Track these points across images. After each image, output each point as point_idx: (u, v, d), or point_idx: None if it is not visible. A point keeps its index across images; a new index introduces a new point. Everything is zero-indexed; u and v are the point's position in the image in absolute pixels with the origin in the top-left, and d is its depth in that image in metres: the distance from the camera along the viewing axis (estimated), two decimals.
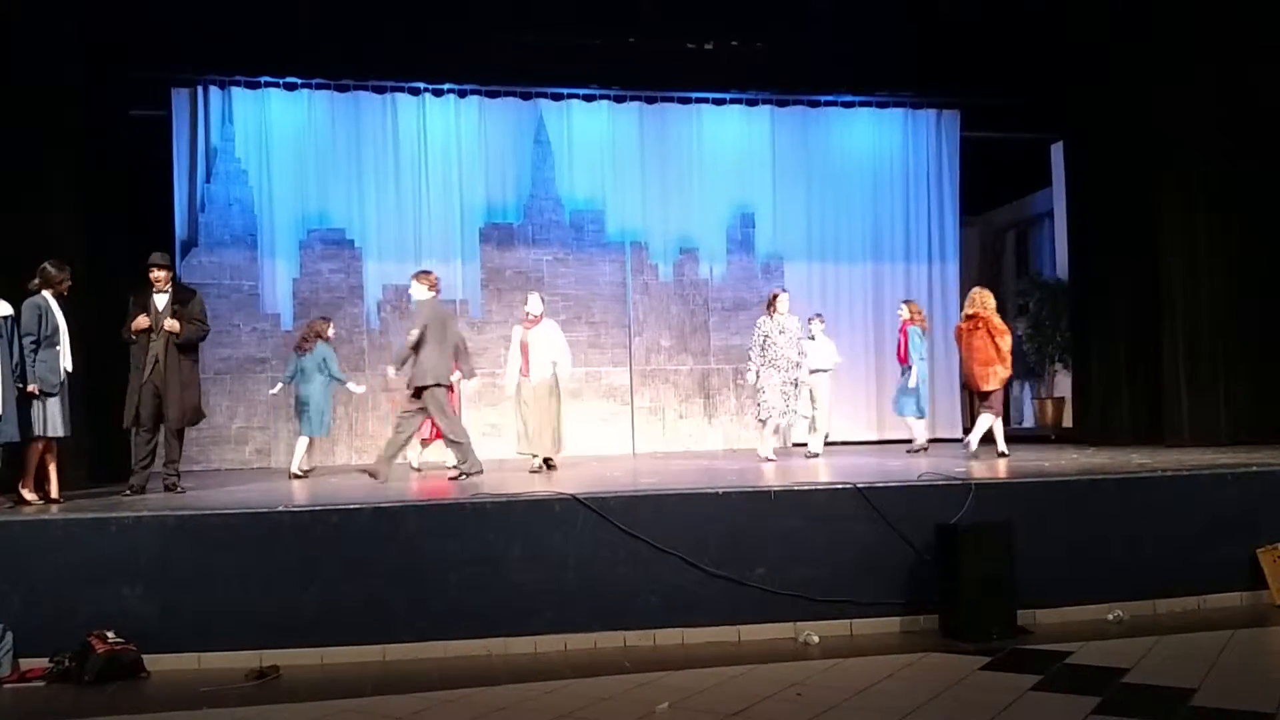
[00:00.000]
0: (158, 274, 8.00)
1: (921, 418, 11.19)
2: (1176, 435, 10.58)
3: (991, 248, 20.46)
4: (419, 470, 10.19)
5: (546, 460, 9.57)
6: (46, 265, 7.47)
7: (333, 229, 12.82)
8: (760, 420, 9.86)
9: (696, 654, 5.91)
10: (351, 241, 12.86)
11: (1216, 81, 10.54)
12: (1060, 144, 13.95)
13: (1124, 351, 11.55)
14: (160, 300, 7.95)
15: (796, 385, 9.68)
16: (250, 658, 5.76)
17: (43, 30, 9.17)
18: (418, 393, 8.40)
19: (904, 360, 11.03)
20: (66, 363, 7.45)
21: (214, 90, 12.58)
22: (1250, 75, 10.39)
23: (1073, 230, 12.97)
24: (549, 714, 4.76)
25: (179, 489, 7.91)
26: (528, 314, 9.67)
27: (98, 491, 8.23)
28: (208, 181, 12.53)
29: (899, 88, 13.93)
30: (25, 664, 5.66)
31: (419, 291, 8.74)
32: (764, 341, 9.67)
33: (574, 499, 6.29)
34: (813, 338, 10.84)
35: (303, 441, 10.17)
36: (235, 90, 12.62)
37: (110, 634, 5.64)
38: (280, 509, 6.20)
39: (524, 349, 9.56)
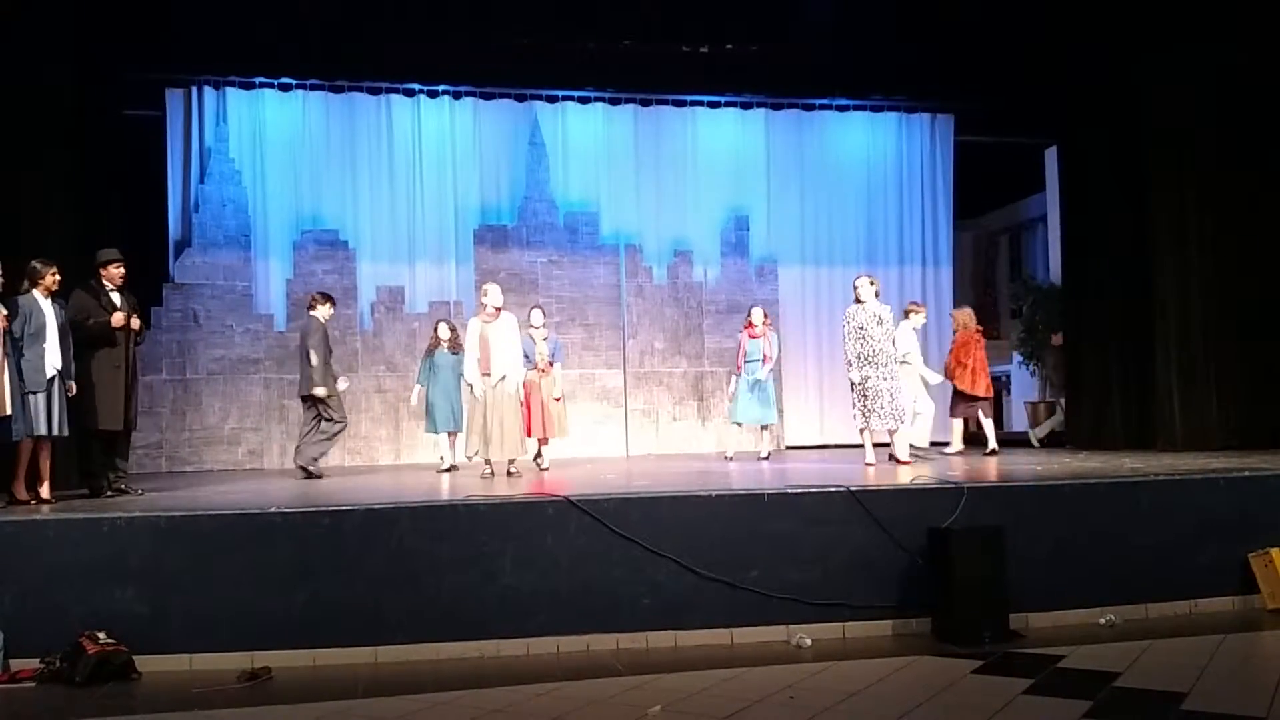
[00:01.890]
0: (120, 270, 7.92)
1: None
2: (1169, 439, 10.60)
3: (985, 252, 20.53)
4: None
5: (510, 463, 9.09)
6: (34, 263, 7.41)
7: (326, 230, 12.82)
8: (864, 427, 9.13)
9: (689, 657, 5.90)
10: (345, 242, 12.86)
11: (1209, 86, 10.57)
12: (1054, 148, 13.98)
13: (1116, 355, 11.58)
14: (116, 298, 7.87)
15: (896, 380, 9.03)
16: (242, 659, 5.74)
17: (37, 30, 9.15)
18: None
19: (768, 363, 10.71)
20: (55, 360, 7.37)
21: (208, 90, 12.59)
22: (1243, 79, 10.42)
23: (1066, 234, 13.00)
24: (541, 716, 4.75)
25: (139, 491, 7.88)
26: (486, 306, 9.08)
27: (88, 493, 8.18)
28: (201, 182, 12.53)
29: (893, 92, 13.99)
30: (16, 664, 5.64)
31: None
32: (859, 334, 8.98)
33: (567, 501, 6.28)
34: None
35: (441, 439, 10.43)
36: (230, 90, 12.64)
37: (101, 635, 5.62)
38: (272, 510, 6.18)
39: (483, 343, 8.95)
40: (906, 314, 10.50)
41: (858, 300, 9.17)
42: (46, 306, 7.38)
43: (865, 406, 9.01)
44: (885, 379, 8.94)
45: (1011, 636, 6.13)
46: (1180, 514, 6.91)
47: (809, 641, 6.13)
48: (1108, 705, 4.68)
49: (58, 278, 7.47)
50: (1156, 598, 6.71)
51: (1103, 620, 6.50)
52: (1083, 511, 6.83)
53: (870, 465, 9.05)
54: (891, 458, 9.20)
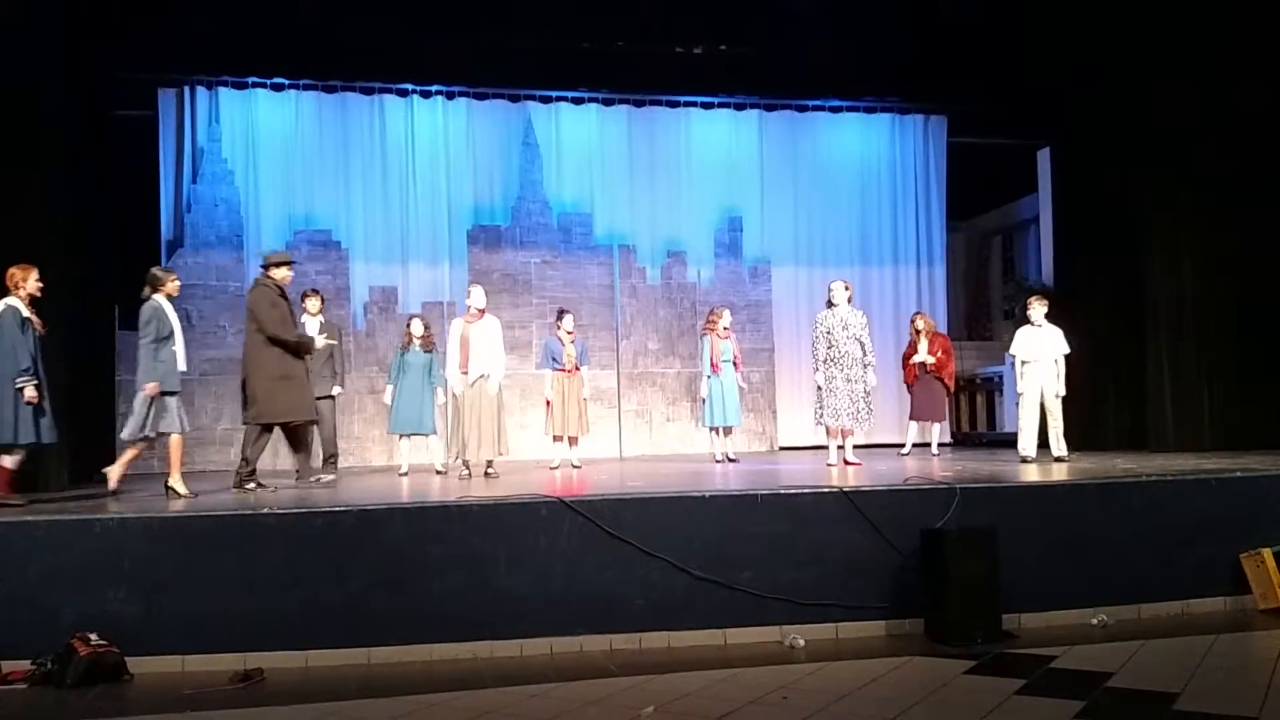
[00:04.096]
0: (291, 273, 8.36)
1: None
2: (1161, 440, 10.63)
3: (978, 253, 20.55)
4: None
5: (488, 464, 9.13)
6: (154, 270, 7.82)
7: (319, 230, 12.80)
8: (819, 422, 9.47)
9: (682, 657, 5.90)
10: (338, 243, 12.84)
11: (1202, 87, 10.60)
12: (1047, 150, 14.01)
13: (1109, 356, 11.60)
14: (282, 300, 8.20)
15: (861, 384, 9.23)
16: (234, 660, 5.73)
17: (28, 29, 9.11)
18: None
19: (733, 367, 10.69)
20: (182, 363, 7.69)
21: (201, 91, 12.55)
22: (1234, 80, 10.44)
23: (1058, 235, 13.04)
24: (534, 718, 4.75)
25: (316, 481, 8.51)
26: (470, 307, 9.28)
27: (80, 494, 8.17)
28: (194, 182, 12.50)
29: (887, 93, 14.01)
30: (7, 666, 5.62)
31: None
32: (826, 337, 9.29)
33: (560, 502, 6.28)
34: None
35: (402, 443, 10.31)
36: (222, 91, 12.60)
37: (93, 636, 5.60)
38: (265, 511, 6.18)
39: (464, 344, 9.09)
40: (1027, 307, 9.43)
41: (830, 304, 9.46)
42: (171, 311, 7.68)
43: (824, 406, 9.33)
44: (849, 381, 9.22)
45: (1004, 637, 6.14)
46: (1172, 515, 6.93)
47: (802, 642, 6.13)
48: (1100, 706, 4.69)
49: (178, 283, 7.92)
50: (1149, 598, 6.73)
51: (1095, 621, 6.51)
52: (1075, 512, 6.84)
53: (831, 465, 9.33)
54: (845, 461, 9.44)
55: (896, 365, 12.04)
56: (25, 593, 5.81)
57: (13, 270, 7.36)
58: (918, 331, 11.44)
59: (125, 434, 7.66)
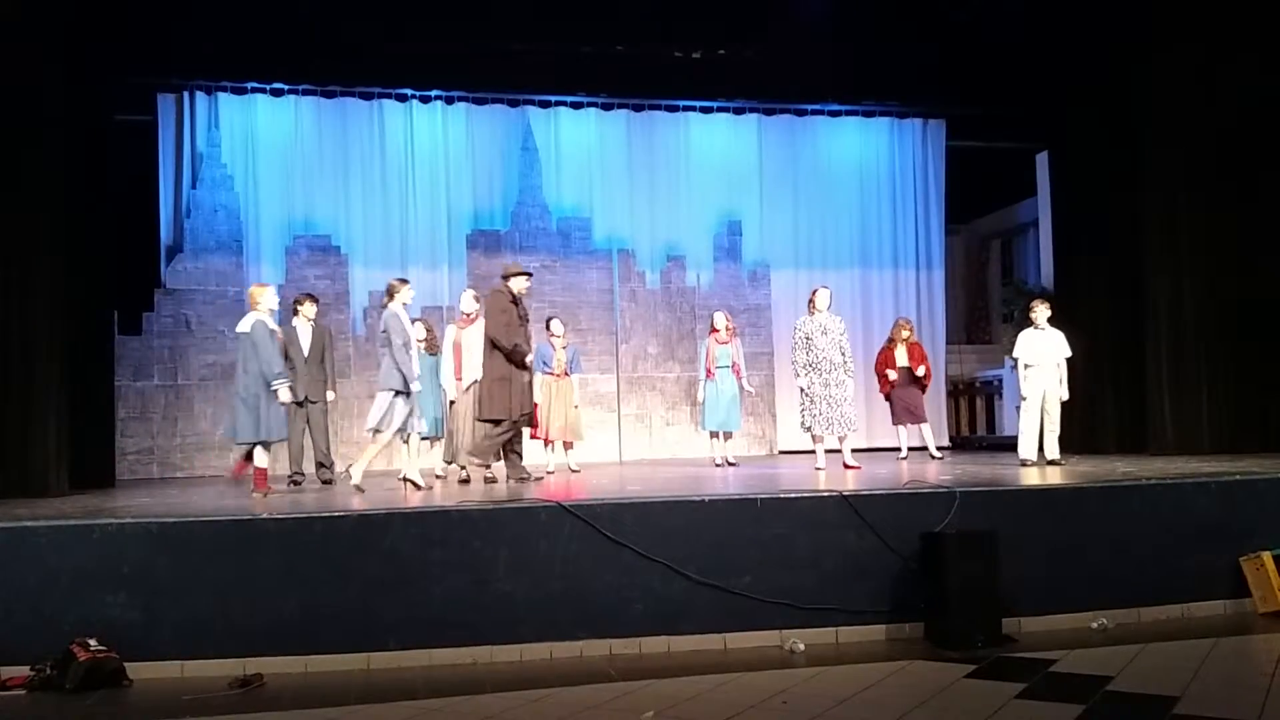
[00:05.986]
0: (528, 284, 8.72)
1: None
2: (1160, 443, 10.62)
3: (977, 256, 20.55)
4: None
5: (486, 469, 9.06)
6: (391, 280, 8.47)
7: (319, 235, 12.81)
8: (804, 428, 9.60)
9: (682, 662, 5.90)
10: (338, 248, 12.85)
11: (1202, 88, 10.60)
12: (1045, 153, 14.01)
13: (1108, 360, 11.59)
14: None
15: (842, 389, 9.34)
16: (234, 666, 5.72)
17: (27, 33, 9.12)
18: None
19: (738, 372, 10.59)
20: (417, 366, 8.23)
21: (200, 96, 12.58)
22: (1235, 82, 10.44)
23: (1057, 238, 13.03)
24: None
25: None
26: (463, 313, 9.39)
27: (81, 495, 8.16)
28: (194, 187, 12.51)
29: (885, 97, 14.03)
30: (6, 672, 5.61)
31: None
32: (806, 343, 9.40)
33: (560, 507, 6.28)
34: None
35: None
36: (222, 96, 12.63)
37: (92, 641, 5.59)
38: (264, 516, 6.17)
39: (456, 350, 9.22)
40: (1030, 310, 9.43)
41: (815, 310, 9.52)
42: (406, 318, 8.16)
43: (810, 412, 9.43)
44: (827, 386, 9.33)
45: (1004, 641, 6.13)
46: (1172, 518, 6.92)
47: (802, 646, 6.12)
48: (1100, 709, 4.69)
49: (412, 292, 8.53)
50: (1149, 601, 6.72)
51: (1095, 624, 6.50)
52: (1075, 515, 6.84)
53: (820, 470, 9.37)
54: (845, 464, 9.48)
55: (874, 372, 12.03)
56: (25, 598, 5.80)
57: (252, 290, 8.38)
58: (895, 339, 11.39)
59: (368, 428, 8.45)
